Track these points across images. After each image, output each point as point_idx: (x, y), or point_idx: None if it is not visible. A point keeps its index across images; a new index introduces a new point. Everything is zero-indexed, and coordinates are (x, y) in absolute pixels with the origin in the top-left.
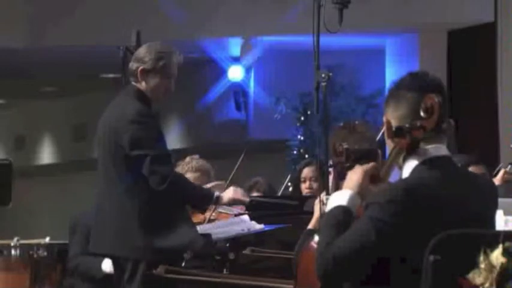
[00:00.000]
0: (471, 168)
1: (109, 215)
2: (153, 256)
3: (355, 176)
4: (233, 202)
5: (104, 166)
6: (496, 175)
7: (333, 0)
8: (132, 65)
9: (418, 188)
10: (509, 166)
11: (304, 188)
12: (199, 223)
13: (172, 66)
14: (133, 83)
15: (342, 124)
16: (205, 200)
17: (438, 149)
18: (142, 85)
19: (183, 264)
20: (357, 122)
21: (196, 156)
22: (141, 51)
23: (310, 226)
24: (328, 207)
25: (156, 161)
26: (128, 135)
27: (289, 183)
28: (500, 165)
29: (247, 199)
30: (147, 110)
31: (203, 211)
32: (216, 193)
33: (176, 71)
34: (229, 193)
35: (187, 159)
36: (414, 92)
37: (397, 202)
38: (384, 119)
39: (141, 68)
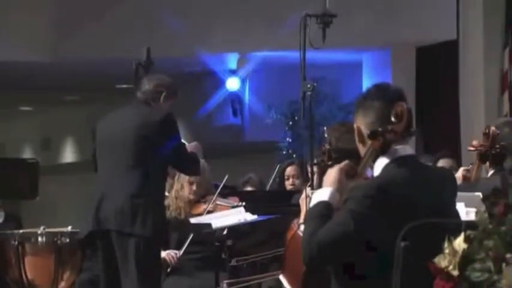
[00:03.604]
0: (442, 161)
1: (119, 197)
2: (156, 232)
3: (332, 174)
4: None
5: (110, 158)
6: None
7: (317, 21)
8: (156, 89)
9: (389, 184)
10: (470, 166)
11: (288, 184)
12: (200, 214)
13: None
14: (140, 98)
15: (342, 122)
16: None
17: (405, 149)
18: (157, 105)
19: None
20: None
21: None
22: (166, 80)
23: (301, 220)
24: (312, 203)
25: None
26: (162, 131)
27: (277, 179)
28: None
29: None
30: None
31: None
32: None
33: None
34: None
35: None
36: (381, 101)
37: (371, 197)
38: (355, 126)
39: (165, 93)
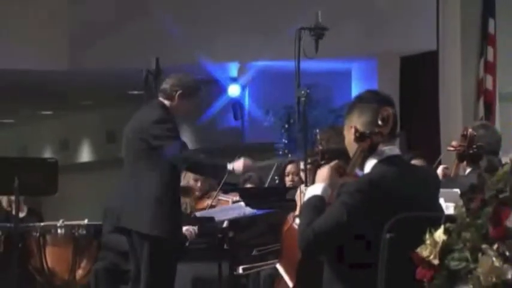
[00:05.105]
0: (414, 161)
1: (128, 195)
2: (157, 231)
3: (323, 171)
4: (245, 170)
5: (128, 158)
6: (437, 167)
7: (310, 33)
8: (171, 88)
9: (379, 181)
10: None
11: (288, 181)
12: (204, 208)
13: (199, 96)
14: (160, 98)
15: (332, 126)
16: (221, 172)
17: (392, 150)
18: (172, 103)
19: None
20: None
21: None
22: (184, 78)
23: (296, 213)
24: (306, 197)
25: (175, 148)
26: (152, 132)
27: (276, 177)
28: (440, 158)
29: (255, 165)
30: (167, 115)
31: (219, 181)
32: (229, 166)
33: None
34: (239, 164)
35: None
36: (374, 104)
37: (363, 192)
38: (352, 125)
39: (180, 92)
